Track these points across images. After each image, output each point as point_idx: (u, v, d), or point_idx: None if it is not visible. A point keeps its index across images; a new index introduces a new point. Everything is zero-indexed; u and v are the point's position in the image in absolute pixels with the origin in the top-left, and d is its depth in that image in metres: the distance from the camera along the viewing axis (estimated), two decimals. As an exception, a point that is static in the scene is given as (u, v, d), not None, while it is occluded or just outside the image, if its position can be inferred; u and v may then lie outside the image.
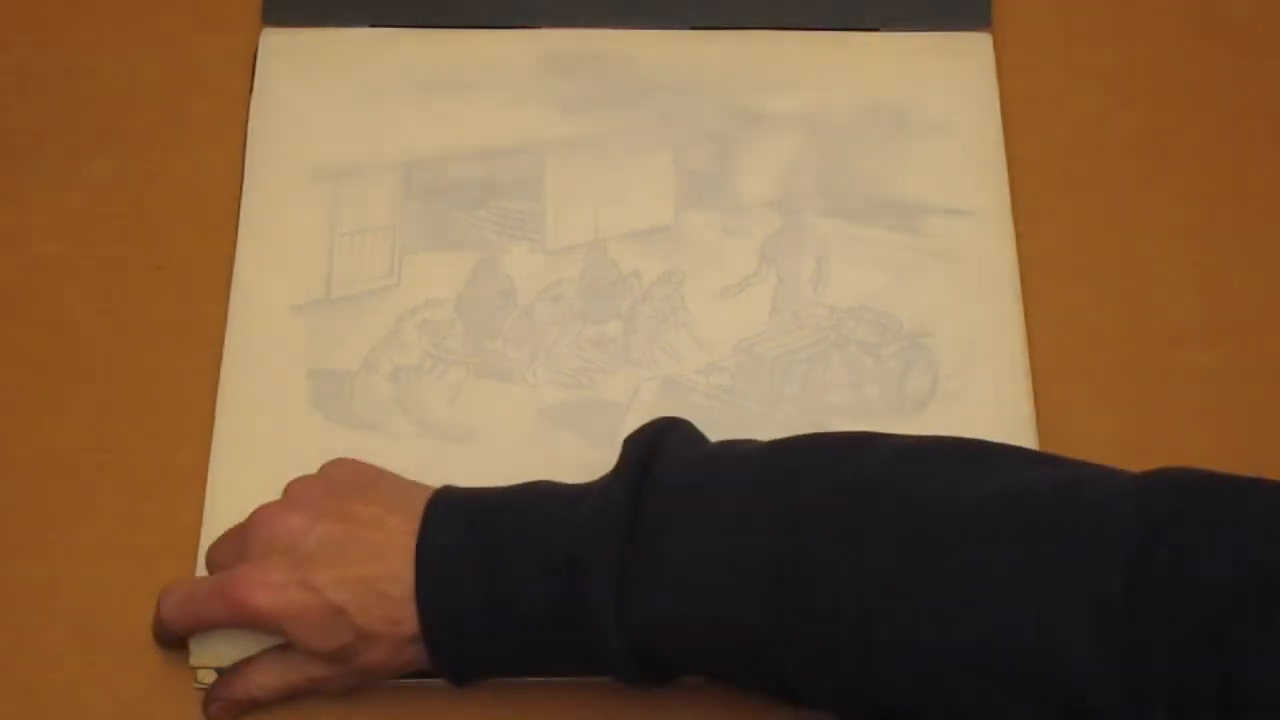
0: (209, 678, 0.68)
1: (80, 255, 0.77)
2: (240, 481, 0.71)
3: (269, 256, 0.77)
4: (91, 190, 0.79)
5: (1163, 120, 0.81)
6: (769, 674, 0.61)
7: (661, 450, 0.63)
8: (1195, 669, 0.52)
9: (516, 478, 0.66)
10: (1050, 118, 0.81)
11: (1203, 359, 0.76)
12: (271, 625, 0.64)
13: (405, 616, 0.63)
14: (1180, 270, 0.78)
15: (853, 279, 0.77)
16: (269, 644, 0.66)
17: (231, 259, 0.77)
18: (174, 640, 0.67)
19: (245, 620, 0.64)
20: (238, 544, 0.66)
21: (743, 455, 0.63)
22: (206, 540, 0.69)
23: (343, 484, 0.66)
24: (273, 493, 0.67)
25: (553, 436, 0.73)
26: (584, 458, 0.67)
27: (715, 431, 0.66)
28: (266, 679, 0.66)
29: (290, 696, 0.67)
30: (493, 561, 0.62)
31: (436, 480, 0.67)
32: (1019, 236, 0.77)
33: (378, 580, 0.63)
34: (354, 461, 0.68)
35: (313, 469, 0.68)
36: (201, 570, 0.69)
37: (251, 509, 0.67)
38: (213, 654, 0.67)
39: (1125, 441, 0.72)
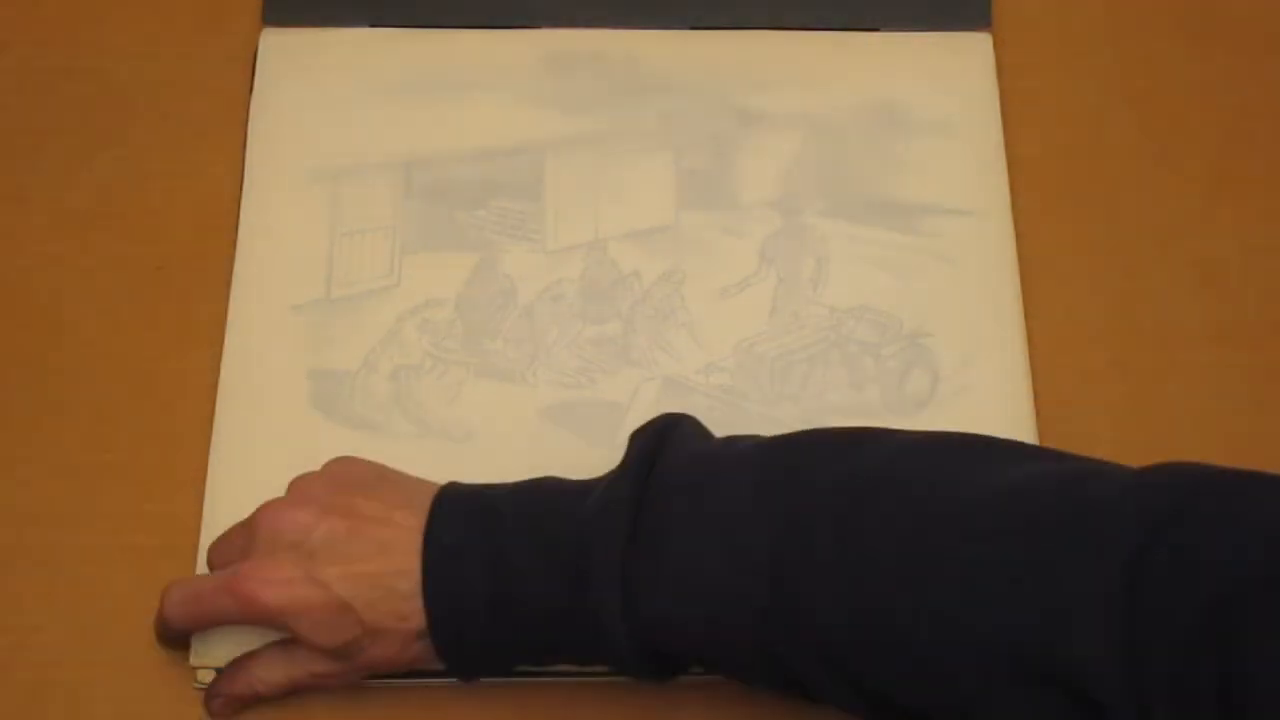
0: (209, 678, 0.68)
1: (80, 255, 0.77)
2: (240, 481, 0.71)
3: (269, 256, 0.77)
4: (91, 190, 0.79)
5: (1163, 120, 0.81)
6: (775, 670, 0.61)
7: (666, 447, 0.63)
8: (1195, 668, 0.52)
9: (516, 477, 0.66)
10: (1050, 118, 0.81)
11: (1203, 359, 0.76)
12: (278, 621, 0.64)
13: (412, 612, 0.63)
14: (1180, 270, 0.78)
15: (853, 279, 0.77)
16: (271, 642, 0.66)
17: (231, 259, 0.77)
18: (177, 638, 0.67)
19: (252, 616, 0.64)
20: (242, 541, 0.66)
21: (742, 453, 0.63)
22: (206, 540, 0.69)
23: (347, 480, 0.66)
24: (273, 493, 0.67)
25: (553, 436, 0.73)
26: (584, 458, 0.67)
27: (715, 431, 0.66)
28: (269, 674, 0.66)
29: (293, 692, 0.67)
30: (499, 558, 0.62)
31: (437, 480, 0.67)
32: (1019, 236, 0.77)
33: (385, 576, 0.63)
34: (357, 459, 0.68)
35: (313, 469, 0.68)
36: (202, 569, 0.69)
37: (251, 509, 0.67)
38: (213, 654, 0.67)
39: (1125, 441, 0.72)
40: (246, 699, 0.67)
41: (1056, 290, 0.77)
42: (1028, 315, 0.76)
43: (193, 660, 0.68)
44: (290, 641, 0.65)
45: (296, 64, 0.81)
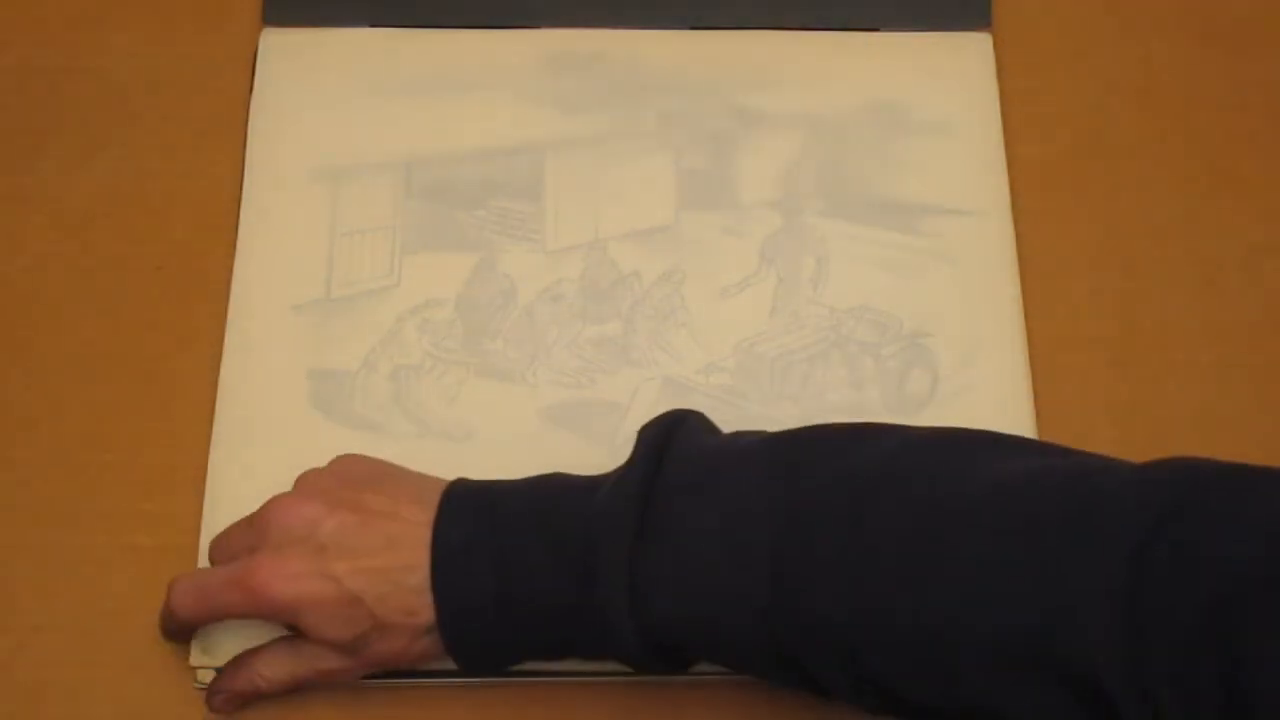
0: (209, 678, 0.68)
1: (80, 255, 0.77)
2: (240, 481, 0.71)
3: (269, 256, 0.77)
4: (91, 190, 0.79)
5: (1163, 120, 0.81)
6: (782, 665, 0.61)
7: (673, 443, 0.63)
8: (1198, 664, 0.52)
9: (516, 477, 0.66)
10: (1050, 118, 0.81)
11: (1203, 359, 0.76)
12: (287, 615, 0.64)
13: (421, 607, 0.63)
14: (1180, 270, 0.78)
15: (853, 279, 0.77)
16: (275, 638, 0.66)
17: (231, 259, 0.77)
18: (182, 632, 0.67)
19: (261, 611, 0.64)
20: (248, 535, 0.66)
21: (746, 449, 0.63)
22: (207, 539, 0.69)
23: (355, 475, 0.66)
24: (273, 492, 0.67)
25: (553, 436, 0.73)
26: (584, 458, 0.67)
27: (715, 431, 0.66)
28: (272, 670, 0.66)
29: (295, 689, 0.67)
30: (507, 554, 0.62)
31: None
32: (1019, 236, 0.77)
33: (394, 570, 0.63)
34: (363, 456, 0.68)
35: (313, 468, 0.68)
36: (203, 566, 0.69)
37: (251, 509, 0.67)
38: (214, 654, 0.67)
39: (1125, 441, 0.72)
40: (248, 695, 0.67)
41: (1056, 290, 0.77)
42: (1028, 315, 0.76)
43: (193, 660, 0.68)
44: (295, 637, 0.65)
45: (296, 64, 0.81)
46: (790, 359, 0.75)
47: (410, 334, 0.75)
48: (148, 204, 0.79)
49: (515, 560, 0.62)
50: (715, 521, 0.61)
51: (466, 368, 0.75)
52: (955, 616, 0.57)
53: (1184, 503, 0.55)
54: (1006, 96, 0.81)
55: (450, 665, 0.66)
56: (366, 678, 0.67)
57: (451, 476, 0.66)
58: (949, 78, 0.81)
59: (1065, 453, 0.61)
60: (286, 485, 0.67)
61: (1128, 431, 0.74)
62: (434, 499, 0.64)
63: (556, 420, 0.74)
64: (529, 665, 0.66)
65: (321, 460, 0.68)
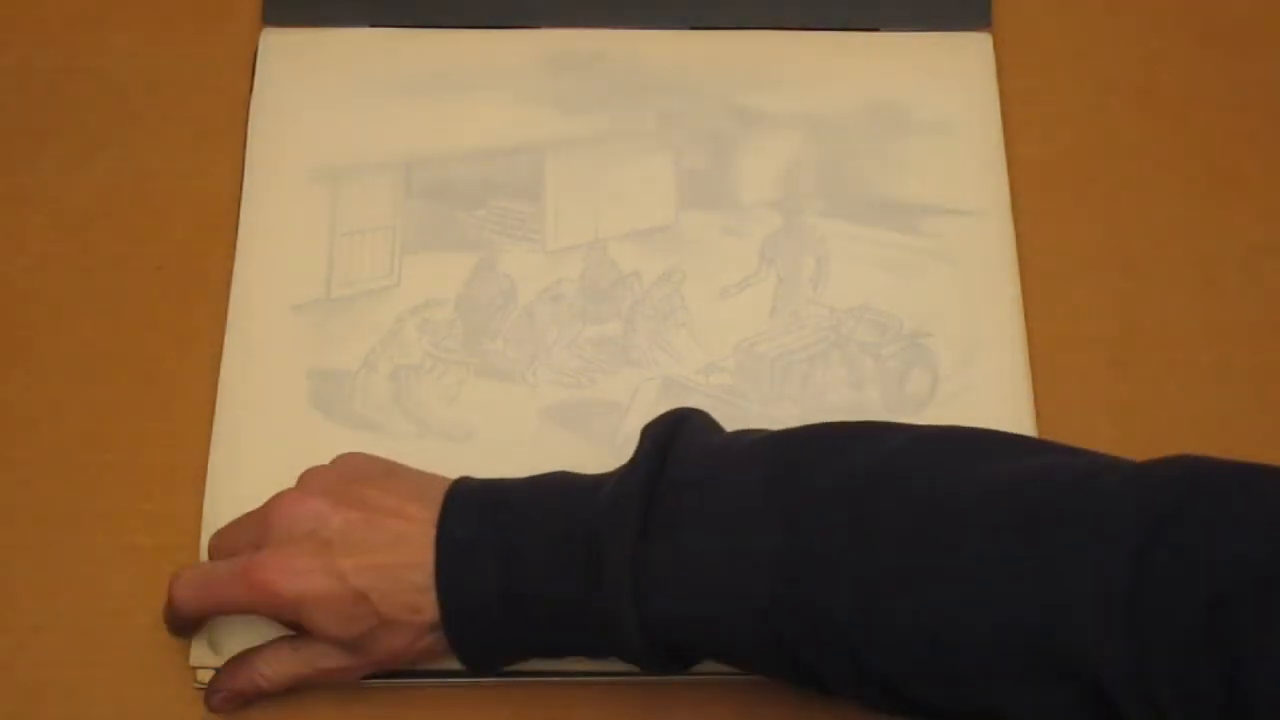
0: (209, 678, 0.68)
1: (80, 255, 0.77)
2: (240, 481, 0.71)
3: (269, 256, 0.77)
4: (91, 190, 0.79)
5: (1163, 120, 0.81)
6: (786, 663, 0.61)
7: (676, 441, 0.63)
8: (1199, 664, 0.52)
9: (517, 477, 0.66)
10: (1050, 118, 0.81)
11: (1203, 359, 0.76)
12: (291, 611, 0.64)
13: (426, 605, 0.63)
14: (1180, 270, 0.78)
15: (853, 279, 0.77)
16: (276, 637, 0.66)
17: (231, 259, 0.77)
18: (185, 627, 0.67)
19: (264, 606, 0.64)
20: (251, 531, 0.66)
21: (748, 447, 0.63)
22: (207, 540, 0.69)
23: (360, 473, 0.66)
24: (273, 493, 0.66)
25: (553, 436, 0.73)
26: (584, 458, 0.67)
27: (715, 431, 0.66)
28: (273, 669, 0.66)
29: (296, 688, 0.67)
30: (511, 552, 0.62)
31: (437, 480, 0.67)
32: (1019, 236, 0.77)
33: (399, 567, 0.63)
34: (366, 454, 0.68)
35: (317, 465, 0.68)
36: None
37: (251, 509, 0.67)
38: (214, 654, 0.67)
39: (1125, 441, 0.72)
40: (248, 694, 0.67)
41: (1056, 290, 0.77)
42: (1028, 315, 0.76)
43: (193, 660, 0.68)
44: (296, 636, 0.65)
45: (296, 64, 0.81)
46: (790, 359, 0.75)
47: (410, 334, 0.75)
48: (148, 204, 0.79)
49: (519, 559, 0.62)
50: (718, 520, 0.61)
51: (466, 368, 0.75)
52: (955, 615, 0.57)
53: (1184, 502, 0.55)
54: (1006, 96, 0.81)
55: (451, 664, 0.66)
56: (366, 678, 0.67)
57: (452, 477, 0.66)
58: (949, 78, 0.81)
59: (1065, 451, 0.61)
60: (287, 485, 0.67)
61: (1128, 431, 0.74)
62: (438, 497, 0.64)
63: (556, 420, 0.74)
64: (530, 665, 0.66)
65: (322, 460, 0.68)
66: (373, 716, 0.68)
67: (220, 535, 0.68)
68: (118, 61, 0.82)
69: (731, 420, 0.66)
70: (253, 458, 0.72)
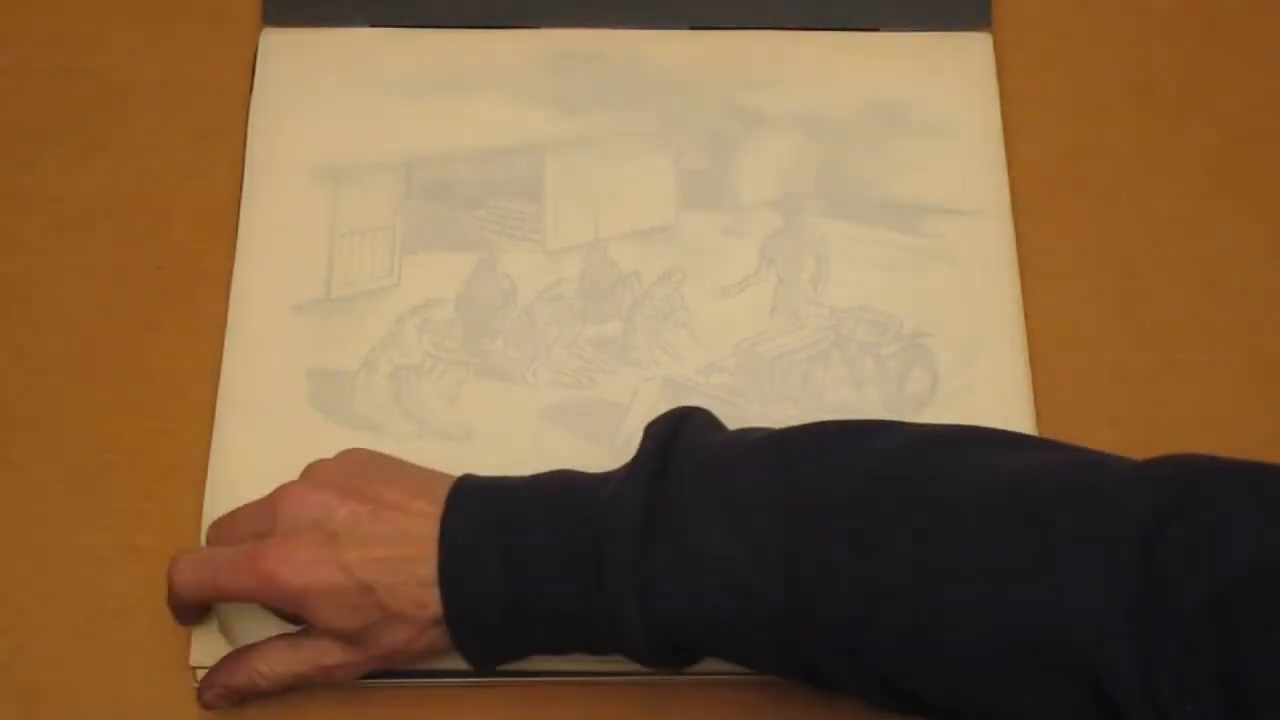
0: (209, 678, 0.68)
1: (80, 255, 0.77)
2: (240, 481, 0.71)
3: (269, 256, 0.77)
4: (91, 190, 0.79)
5: (1163, 120, 0.81)
6: (791, 661, 0.61)
7: (679, 440, 0.63)
8: (1200, 664, 0.52)
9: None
10: (1050, 118, 0.81)
11: (1202, 359, 0.76)
12: (294, 602, 0.63)
13: (431, 600, 0.63)
14: (1180, 270, 0.78)
15: (853, 279, 0.77)
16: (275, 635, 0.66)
17: (231, 259, 0.77)
18: (187, 612, 0.66)
19: (267, 595, 0.63)
20: (255, 520, 0.65)
21: (752, 446, 0.63)
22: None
23: (365, 467, 0.66)
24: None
25: (553, 436, 0.73)
26: (584, 458, 0.67)
27: (715, 431, 0.66)
28: (272, 666, 0.65)
29: (295, 686, 0.66)
30: (515, 550, 0.62)
31: (437, 480, 0.67)
32: (1019, 236, 0.77)
33: (405, 561, 0.63)
34: (371, 450, 0.68)
35: (322, 459, 0.68)
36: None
37: (253, 506, 0.67)
38: (215, 654, 0.67)
39: (1125, 441, 0.72)
40: (245, 692, 0.66)
41: (1056, 290, 0.77)
42: (1028, 315, 0.76)
43: (193, 660, 0.68)
44: (295, 633, 0.65)
45: (296, 64, 0.81)
46: (790, 359, 0.75)
47: (410, 334, 0.75)
48: (148, 204, 0.79)
49: (522, 557, 0.62)
50: (720, 519, 0.61)
51: (466, 368, 0.75)
52: (956, 615, 0.57)
53: (1185, 501, 0.55)
54: (1006, 96, 0.81)
55: (450, 663, 0.66)
56: (365, 677, 0.67)
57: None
58: (949, 78, 0.81)
59: (1065, 450, 0.61)
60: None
61: (1128, 431, 0.74)
62: (442, 493, 0.64)
63: (556, 420, 0.74)
64: (530, 665, 0.66)
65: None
66: (372, 716, 0.68)
67: (221, 524, 0.68)
68: (118, 61, 0.82)
69: (732, 420, 0.66)
70: (253, 458, 0.72)
